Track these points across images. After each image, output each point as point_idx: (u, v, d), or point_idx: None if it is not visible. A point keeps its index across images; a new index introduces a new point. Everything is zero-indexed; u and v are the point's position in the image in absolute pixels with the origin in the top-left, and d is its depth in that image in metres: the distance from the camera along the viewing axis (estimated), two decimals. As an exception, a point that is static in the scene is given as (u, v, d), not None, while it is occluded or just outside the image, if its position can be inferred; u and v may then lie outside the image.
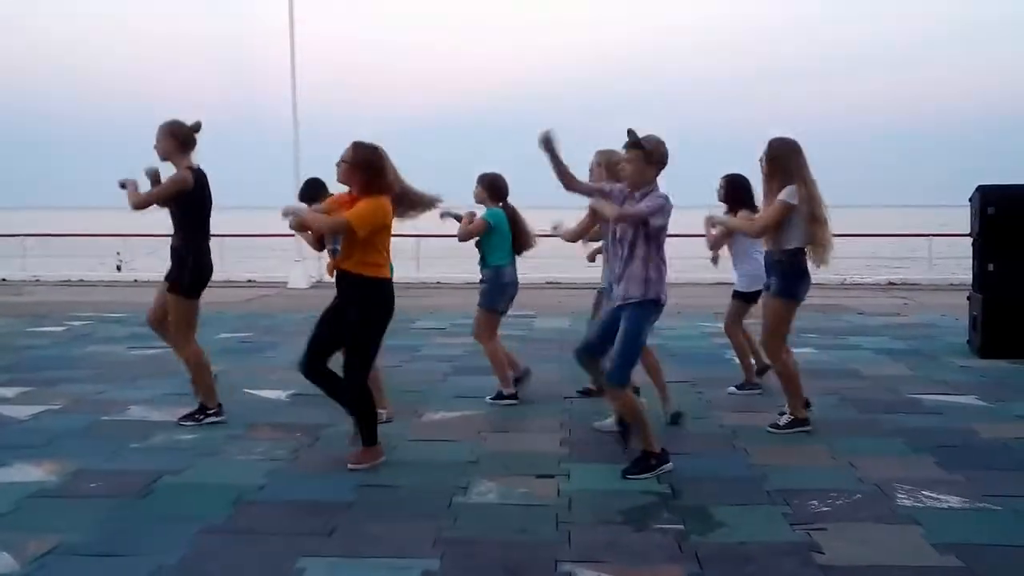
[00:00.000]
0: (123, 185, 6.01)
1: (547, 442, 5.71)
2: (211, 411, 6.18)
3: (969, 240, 9.42)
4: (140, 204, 5.96)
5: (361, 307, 5.08)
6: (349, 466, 5.09)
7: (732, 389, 7.13)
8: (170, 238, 6.07)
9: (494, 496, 4.66)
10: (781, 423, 5.94)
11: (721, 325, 7.51)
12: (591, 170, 6.08)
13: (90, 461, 5.23)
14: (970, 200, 9.17)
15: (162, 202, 5.98)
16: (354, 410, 5.20)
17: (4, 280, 18.39)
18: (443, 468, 5.14)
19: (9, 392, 7.14)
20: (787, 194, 5.68)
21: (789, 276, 5.80)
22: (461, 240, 6.89)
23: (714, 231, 6.84)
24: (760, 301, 6.36)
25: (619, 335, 4.91)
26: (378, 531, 4.15)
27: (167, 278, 6.05)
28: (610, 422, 5.85)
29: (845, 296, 15.12)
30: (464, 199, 6.97)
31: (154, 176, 6.05)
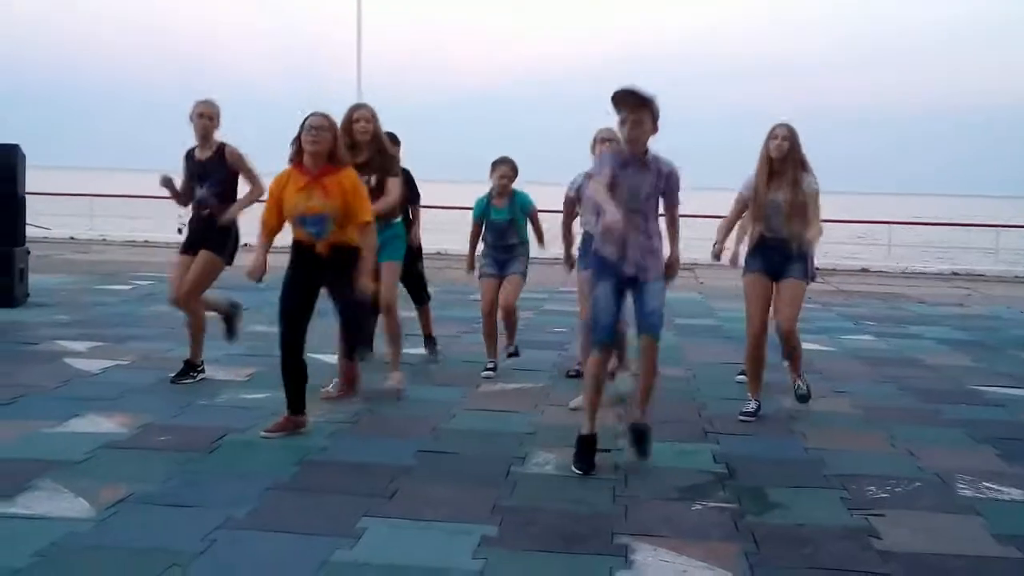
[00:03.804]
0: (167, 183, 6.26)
1: (604, 416, 5.74)
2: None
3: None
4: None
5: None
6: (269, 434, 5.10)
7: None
8: (200, 209, 6.23)
9: (552, 467, 4.71)
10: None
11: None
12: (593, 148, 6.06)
13: (159, 415, 5.39)
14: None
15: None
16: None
17: (72, 238, 18.86)
18: (501, 438, 5.21)
19: (81, 347, 7.35)
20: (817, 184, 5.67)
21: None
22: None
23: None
24: (783, 284, 5.87)
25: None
26: (438, 496, 4.23)
27: (210, 245, 6.20)
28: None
29: (907, 285, 14.90)
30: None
31: (169, 183, 6.27)
